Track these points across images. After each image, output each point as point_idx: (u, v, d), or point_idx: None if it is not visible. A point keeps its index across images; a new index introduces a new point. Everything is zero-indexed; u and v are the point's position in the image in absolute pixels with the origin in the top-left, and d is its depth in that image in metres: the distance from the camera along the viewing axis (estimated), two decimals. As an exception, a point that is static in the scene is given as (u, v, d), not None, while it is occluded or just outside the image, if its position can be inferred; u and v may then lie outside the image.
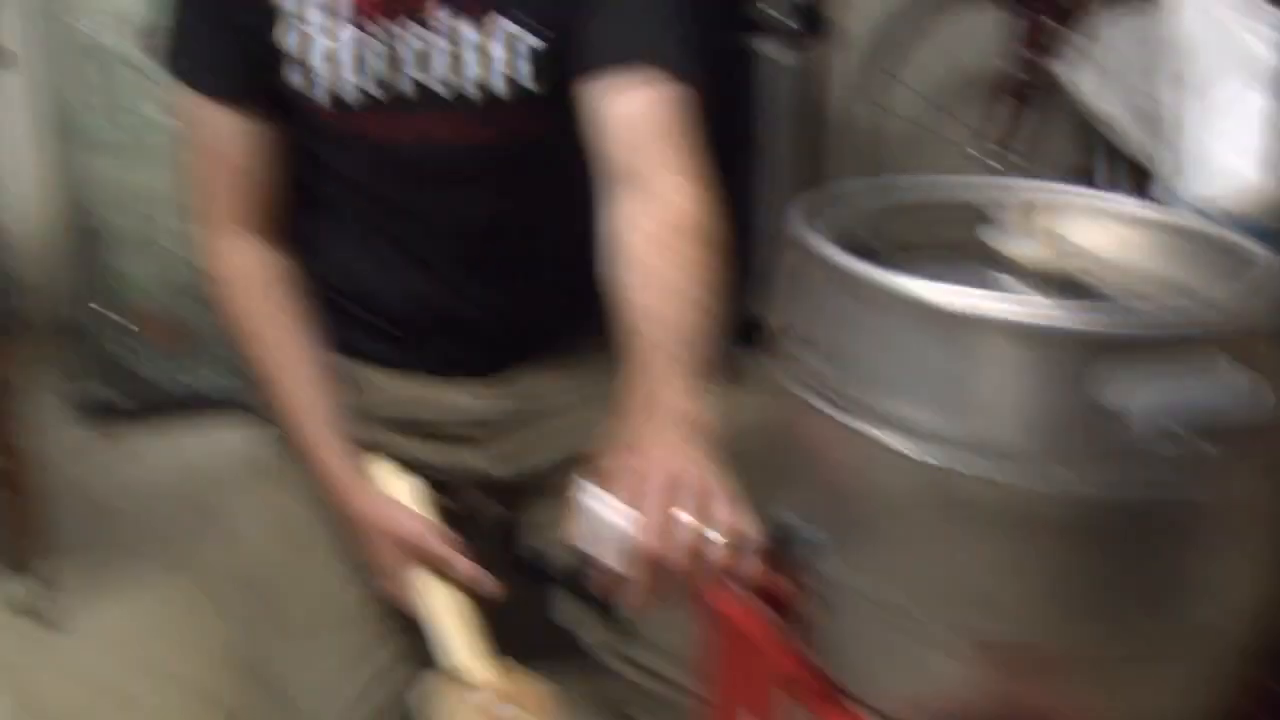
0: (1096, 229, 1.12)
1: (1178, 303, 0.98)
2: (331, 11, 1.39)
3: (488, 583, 1.41)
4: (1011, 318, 0.89)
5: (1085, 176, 3.25)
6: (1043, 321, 0.88)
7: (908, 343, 0.92)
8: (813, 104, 3.14)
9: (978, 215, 1.12)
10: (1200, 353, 0.88)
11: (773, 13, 2.96)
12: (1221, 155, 1.57)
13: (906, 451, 0.91)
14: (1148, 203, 1.15)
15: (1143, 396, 0.86)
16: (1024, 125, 3.35)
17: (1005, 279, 1.04)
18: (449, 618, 1.40)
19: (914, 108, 3.42)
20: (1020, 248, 1.04)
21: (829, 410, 0.96)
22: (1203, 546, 0.91)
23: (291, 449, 1.50)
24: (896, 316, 0.93)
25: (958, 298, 0.90)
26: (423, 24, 1.38)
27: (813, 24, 2.97)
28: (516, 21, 1.39)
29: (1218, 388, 0.87)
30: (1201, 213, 1.56)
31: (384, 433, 1.53)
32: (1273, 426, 0.89)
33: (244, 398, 1.63)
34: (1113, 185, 3.14)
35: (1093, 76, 1.99)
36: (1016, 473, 0.88)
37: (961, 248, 1.08)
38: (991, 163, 3.38)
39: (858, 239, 1.04)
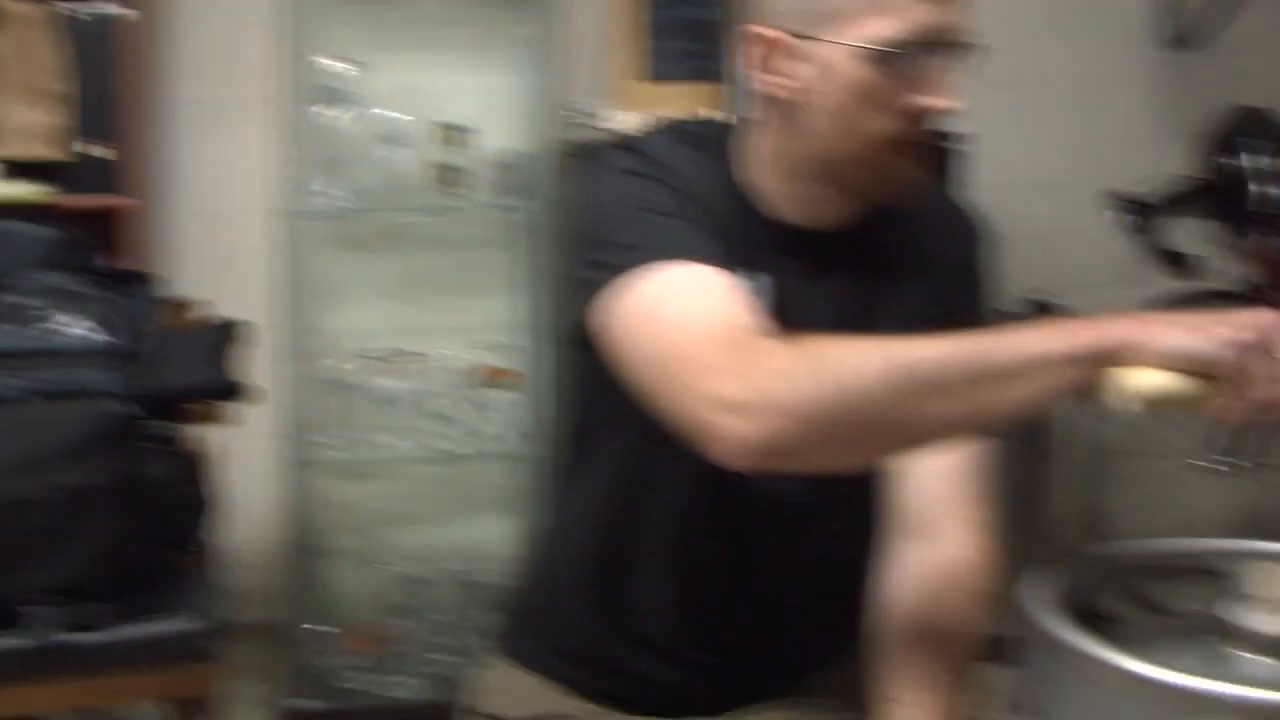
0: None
1: None
2: None
3: None
4: (1236, 701, 0.89)
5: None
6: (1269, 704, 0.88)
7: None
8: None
9: (1217, 580, 1.12)
10: None
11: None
12: None
13: None
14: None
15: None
16: (1255, 429, 3.37)
17: (1243, 656, 1.02)
18: None
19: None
20: (1260, 619, 1.02)
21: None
22: None
23: None
24: (1131, 699, 0.92)
25: (1182, 679, 0.90)
26: None
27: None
28: None
29: None
30: None
31: None
32: None
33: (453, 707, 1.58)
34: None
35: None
36: None
37: (1199, 616, 1.08)
38: (1220, 470, 3.39)
39: (1093, 608, 1.08)
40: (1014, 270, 3.33)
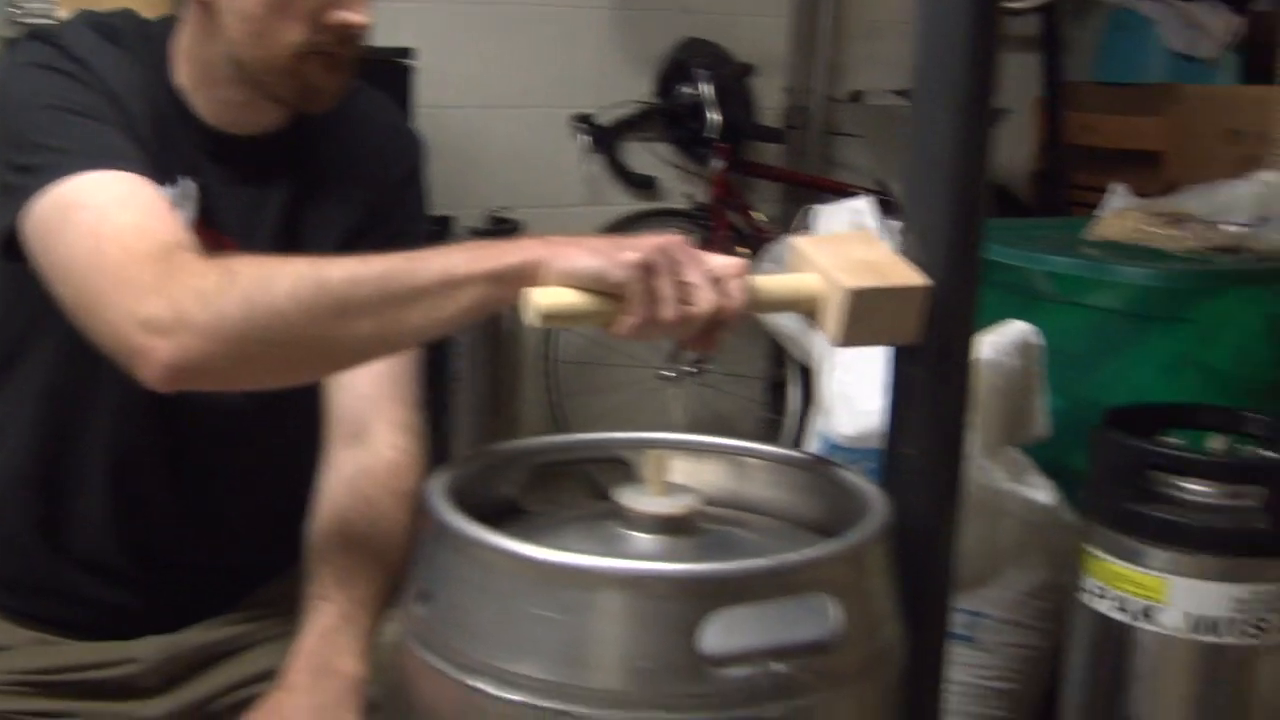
0: (727, 474, 1.22)
1: (785, 547, 1.03)
2: None
3: None
4: (616, 574, 0.94)
5: (779, 388, 3.66)
6: (645, 576, 0.94)
7: (514, 600, 0.95)
8: (496, 328, 3.28)
9: (622, 468, 1.19)
10: (799, 593, 0.96)
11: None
12: (860, 396, 1.67)
13: (518, 701, 0.94)
14: (775, 447, 1.25)
15: (742, 638, 0.92)
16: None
17: (630, 534, 1.08)
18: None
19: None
20: (649, 501, 1.08)
21: (442, 666, 0.98)
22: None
23: None
24: (504, 575, 0.96)
25: (563, 557, 0.94)
26: None
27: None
28: None
29: (811, 623, 0.95)
30: (845, 450, 1.66)
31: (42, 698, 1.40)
32: (841, 642, 0.97)
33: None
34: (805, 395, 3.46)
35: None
36: (624, 715, 0.92)
37: (600, 503, 1.12)
38: (677, 375, 3.61)
39: (503, 499, 1.13)
40: (482, 188, 3.47)
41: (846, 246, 1.12)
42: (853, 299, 1.06)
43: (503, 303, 1.06)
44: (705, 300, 1.03)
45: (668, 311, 1.02)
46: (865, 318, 1.07)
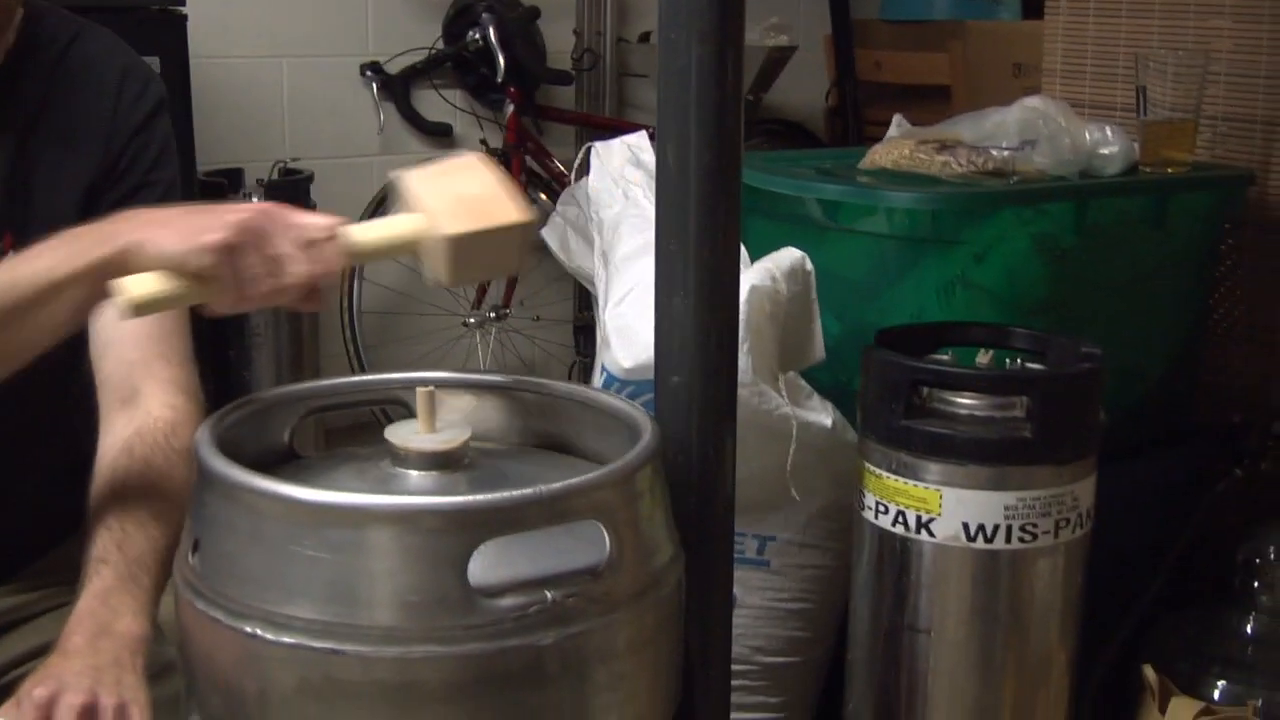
0: (504, 409, 1.23)
1: (557, 477, 1.03)
2: None
3: None
4: (382, 510, 0.94)
5: (586, 330, 3.66)
6: (411, 510, 0.95)
7: (283, 543, 0.95)
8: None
9: (400, 408, 1.20)
10: (568, 520, 0.98)
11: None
12: (637, 329, 1.67)
13: (291, 643, 0.94)
14: (550, 380, 1.27)
15: (513, 568, 0.95)
16: (521, 287, 3.64)
17: (402, 472, 1.08)
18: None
19: (405, 274, 3.51)
20: (419, 438, 1.08)
21: (216, 614, 0.98)
22: (573, 683, 0.99)
23: None
24: (271, 518, 0.96)
25: (328, 496, 0.95)
26: None
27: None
28: None
29: (582, 551, 0.98)
30: (625, 381, 1.68)
31: None
32: (613, 568, 0.99)
33: None
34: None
35: (557, 236, 2.11)
36: (397, 651, 0.93)
37: (376, 443, 1.12)
38: (481, 322, 3.60)
39: (279, 445, 1.15)
40: (272, 140, 3.40)
41: (451, 180, 1.11)
42: (453, 245, 1.07)
43: (106, 295, 1.04)
44: (296, 271, 1.03)
45: (257, 288, 1.03)
46: (470, 258, 1.09)
